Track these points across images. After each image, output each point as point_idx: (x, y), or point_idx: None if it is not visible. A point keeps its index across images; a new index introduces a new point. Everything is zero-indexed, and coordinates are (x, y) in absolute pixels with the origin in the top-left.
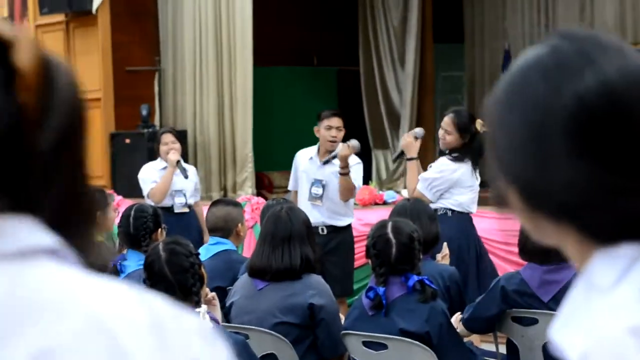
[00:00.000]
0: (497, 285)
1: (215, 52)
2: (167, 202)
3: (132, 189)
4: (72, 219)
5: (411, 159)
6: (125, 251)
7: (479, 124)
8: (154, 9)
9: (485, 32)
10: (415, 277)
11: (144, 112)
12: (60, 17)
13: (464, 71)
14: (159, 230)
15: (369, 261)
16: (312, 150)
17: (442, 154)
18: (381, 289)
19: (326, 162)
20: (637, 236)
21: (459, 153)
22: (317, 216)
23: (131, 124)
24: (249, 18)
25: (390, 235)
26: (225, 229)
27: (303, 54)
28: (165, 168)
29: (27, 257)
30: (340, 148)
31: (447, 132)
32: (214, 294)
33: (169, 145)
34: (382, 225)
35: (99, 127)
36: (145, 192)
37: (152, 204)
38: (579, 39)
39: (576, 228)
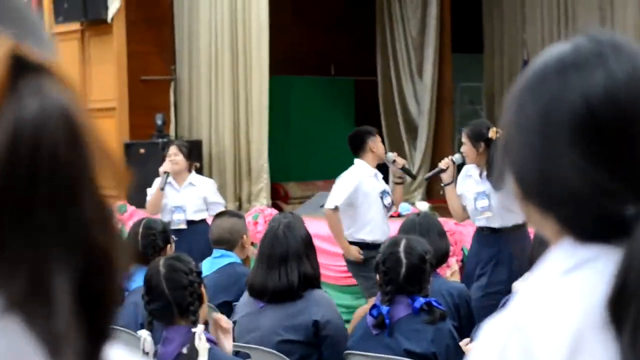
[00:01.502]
0: (508, 304)
1: (231, 61)
2: (166, 218)
3: (145, 198)
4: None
5: (448, 184)
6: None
7: (492, 132)
8: (169, 18)
9: (505, 42)
10: (422, 300)
11: (159, 122)
12: (75, 26)
13: (483, 81)
14: (168, 246)
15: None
16: (368, 170)
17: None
18: (385, 308)
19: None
20: (608, 239)
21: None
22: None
23: (146, 133)
24: (265, 27)
25: (402, 255)
26: (231, 240)
27: (320, 64)
28: (169, 183)
29: None
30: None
31: (464, 143)
32: (231, 324)
33: (171, 157)
34: (394, 242)
35: (113, 136)
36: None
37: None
38: (598, 40)
39: (557, 219)
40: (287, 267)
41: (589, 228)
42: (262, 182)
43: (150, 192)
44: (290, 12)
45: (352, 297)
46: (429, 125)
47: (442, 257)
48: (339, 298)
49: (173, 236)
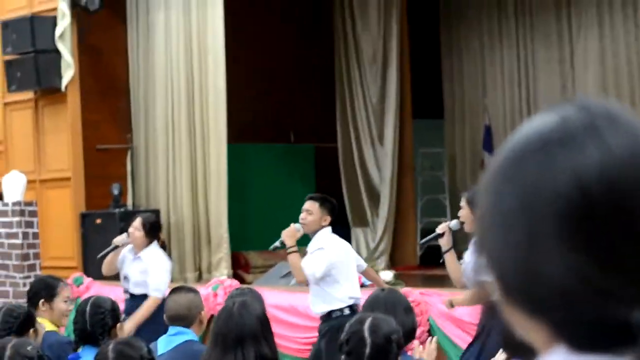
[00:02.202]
0: None
1: (188, 129)
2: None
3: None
4: None
5: (447, 250)
6: (80, 348)
7: None
8: (125, 85)
9: (466, 107)
10: None
11: (115, 192)
12: (29, 95)
13: (444, 147)
14: (118, 325)
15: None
16: None
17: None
18: None
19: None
20: (610, 347)
21: None
22: None
23: (102, 203)
24: (222, 94)
25: (366, 334)
26: (189, 317)
27: (279, 131)
28: (130, 250)
29: None
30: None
31: (462, 208)
32: None
33: (131, 229)
34: (359, 320)
35: (68, 206)
36: None
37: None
38: (589, 110)
39: (549, 325)
40: (243, 348)
41: (586, 335)
42: (222, 252)
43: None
44: (249, 79)
45: None
46: (391, 192)
47: (409, 334)
48: None
49: (124, 317)
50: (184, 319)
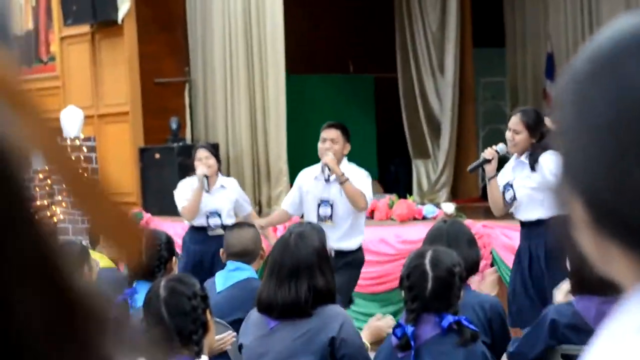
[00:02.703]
0: (545, 318)
1: (246, 61)
2: (202, 222)
3: (162, 205)
4: None
5: (492, 177)
6: (135, 283)
7: (549, 121)
8: (182, 18)
9: (527, 35)
10: (451, 318)
11: (174, 126)
12: (85, 29)
13: (506, 76)
14: (173, 258)
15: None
16: (316, 169)
17: (505, 160)
18: (410, 328)
19: (327, 180)
20: None
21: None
22: None
23: (161, 137)
24: (280, 25)
25: (427, 267)
26: (254, 252)
27: (338, 61)
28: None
29: None
30: (329, 158)
31: (515, 131)
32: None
33: (202, 160)
34: (419, 254)
35: (127, 141)
36: (179, 208)
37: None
38: None
39: None
40: (297, 280)
41: None
42: (282, 185)
43: (183, 197)
44: (306, 10)
45: (379, 305)
46: (452, 122)
47: (472, 267)
48: (366, 307)
49: (178, 253)
50: (250, 254)
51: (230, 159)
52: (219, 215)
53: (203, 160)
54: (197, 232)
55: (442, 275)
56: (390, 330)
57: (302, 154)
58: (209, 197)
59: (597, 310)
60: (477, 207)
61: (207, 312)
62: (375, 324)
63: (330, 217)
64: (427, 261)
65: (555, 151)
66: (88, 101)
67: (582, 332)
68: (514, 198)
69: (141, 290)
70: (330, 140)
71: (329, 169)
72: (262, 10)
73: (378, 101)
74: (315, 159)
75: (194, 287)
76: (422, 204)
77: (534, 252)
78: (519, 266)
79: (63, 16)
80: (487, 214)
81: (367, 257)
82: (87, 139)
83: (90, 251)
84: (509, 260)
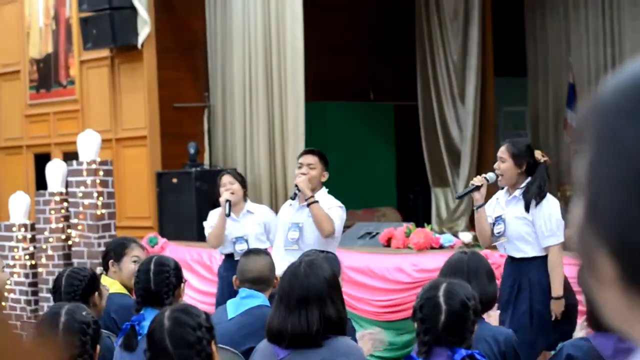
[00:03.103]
0: (561, 354)
1: (265, 87)
2: (231, 249)
3: (178, 230)
4: None
5: (481, 205)
6: (143, 310)
7: (538, 154)
8: (202, 43)
9: (549, 65)
10: (464, 352)
11: (192, 151)
12: (105, 53)
13: (527, 106)
14: (182, 285)
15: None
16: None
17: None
18: None
19: (293, 198)
20: None
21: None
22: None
23: (178, 162)
24: (300, 51)
25: (441, 300)
26: (269, 280)
27: (358, 89)
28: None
29: None
30: (300, 179)
31: (501, 159)
32: None
33: (227, 186)
34: (433, 286)
35: (144, 165)
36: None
37: (225, 250)
38: None
39: None
40: (307, 309)
41: None
42: None
43: (209, 224)
44: (327, 36)
45: (394, 334)
46: (472, 151)
47: (489, 302)
48: None
49: (185, 280)
50: (265, 282)
51: (248, 184)
52: (246, 241)
53: (227, 186)
54: (228, 260)
55: (456, 309)
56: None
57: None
58: (236, 224)
59: (614, 348)
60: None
61: (213, 343)
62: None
63: (296, 241)
64: (441, 293)
65: (578, 191)
66: (106, 125)
67: None
68: (503, 233)
69: (149, 317)
70: (306, 166)
71: (299, 190)
72: (282, 37)
73: (398, 129)
74: (333, 186)
75: (199, 318)
76: (441, 232)
77: (521, 285)
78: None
79: (83, 40)
80: None
81: (383, 285)
82: (103, 163)
83: (103, 276)
84: None
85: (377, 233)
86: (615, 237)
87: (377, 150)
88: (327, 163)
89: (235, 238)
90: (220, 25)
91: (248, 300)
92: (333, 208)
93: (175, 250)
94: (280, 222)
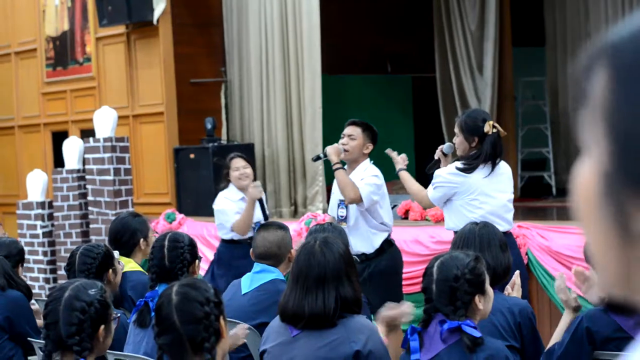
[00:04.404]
0: (580, 327)
1: (282, 61)
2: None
3: (197, 206)
4: None
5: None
6: (157, 287)
7: (488, 125)
8: (218, 18)
9: (567, 34)
10: (449, 324)
11: (209, 126)
12: (120, 29)
13: (546, 76)
14: (196, 262)
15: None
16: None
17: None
18: (417, 329)
19: (315, 160)
20: None
21: (467, 163)
22: None
23: (196, 138)
24: (317, 25)
25: (434, 269)
26: (279, 255)
27: (376, 61)
28: (242, 199)
29: None
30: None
31: (455, 133)
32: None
33: (241, 170)
34: (436, 257)
35: (162, 141)
36: (228, 225)
37: (236, 236)
38: None
39: None
40: (324, 289)
41: None
42: (318, 185)
43: (231, 212)
44: (343, 10)
45: (413, 305)
46: None
47: (503, 273)
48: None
49: (201, 256)
50: (273, 257)
51: (266, 159)
52: None
53: (241, 170)
54: (242, 247)
55: (444, 278)
56: (407, 318)
57: None
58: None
59: (636, 320)
60: (514, 207)
61: (221, 318)
62: (386, 314)
63: (345, 218)
64: (436, 264)
65: (592, 141)
66: (123, 101)
67: (619, 341)
68: None
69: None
70: (347, 137)
71: (324, 155)
72: (298, 11)
73: (416, 101)
74: None
75: (207, 293)
76: None
77: None
78: None
79: (98, 17)
80: (524, 213)
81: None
82: (120, 139)
83: (120, 257)
84: (545, 261)
85: (395, 205)
86: (621, 127)
87: (396, 122)
88: (374, 135)
89: (254, 223)
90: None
91: (261, 275)
92: (367, 177)
93: (194, 226)
94: (332, 196)
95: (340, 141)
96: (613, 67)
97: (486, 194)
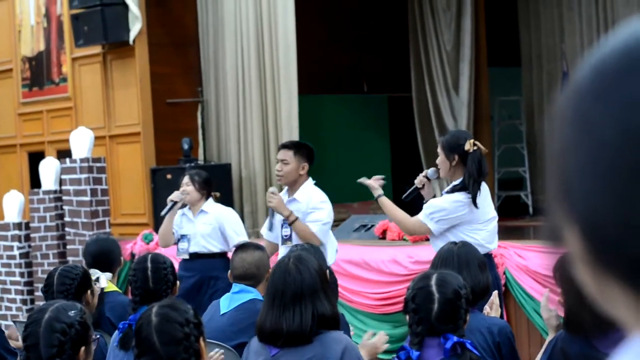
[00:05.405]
0: (555, 349)
1: (258, 81)
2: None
3: None
4: None
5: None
6: (139, 309)
7: (469, 144)
8: (194, 38)
9: (543, 54)
10: (455, 339)
11: (186, 146)
12: (97, 49)
13: (522, 95)
14: (177, 283)
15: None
16: (284, 193)
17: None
18: (415, 353)
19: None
20: None
21: (469, 193)
22: None
23: (173, 158)
24: (293, 45)
25: (434, 289)
26: (257, 276)
27: (352, 81)
28: (182, 214)
29: None
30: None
31: (438, 153)
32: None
33: (183, 187)
34: (425, 276)
35: (139, 162)
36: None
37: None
38: None
39: None
40: (301, 306)
41: None
42: None
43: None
44: (319, 30)
45: (390, 326)
46: None
47: (482, 292)
48: (378, 327)
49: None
50: (252, 278)
51: (243, 179)
52: (189, 241)
53: (182, 187)
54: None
55: (449, 297)
56: (385, 347)
57: (315, 174)
58: (190, 223)
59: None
60: None
61: (201, 339)
62: (370, 341)
63: (289, 237)
64: (433, 282)
65: (551, 176)
66: (100, 122)
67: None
68: None
69: None
70: (281, 162)
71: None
72: (274, 31)
73: (392, 121)
74: (328, 179)
75: (187, 314)
76: None
77: None
78: None
79: (74, 37)
80: (501, 233)
81: (379, 277)
82: (96, 160)
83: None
84: (523, 280)
85: (373, 225)
86: (584, 218)
87: (372, 142)
88: (307, 153)
89: (180, 236)
90: (212, 19)
91: (240, 295)
92: (316, 205)
93: (171, 247)
94: (274, 215)
95: (276, 167)
96: (569, 110)
97: (486, 218)
